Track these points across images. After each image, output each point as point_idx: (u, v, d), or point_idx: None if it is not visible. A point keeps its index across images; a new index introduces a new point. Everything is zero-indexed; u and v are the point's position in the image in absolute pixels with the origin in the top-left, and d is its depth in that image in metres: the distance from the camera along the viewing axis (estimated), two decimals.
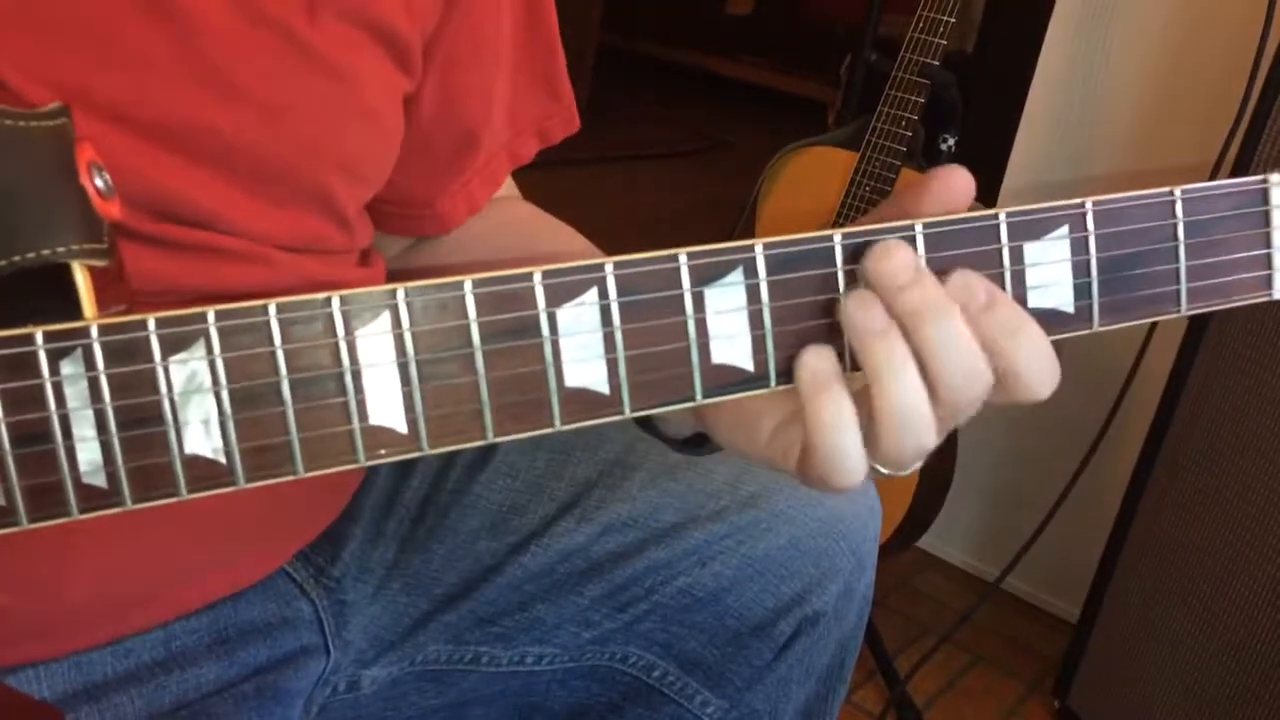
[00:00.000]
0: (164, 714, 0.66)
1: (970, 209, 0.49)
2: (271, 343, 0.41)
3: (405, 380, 0.43)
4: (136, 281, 0.45)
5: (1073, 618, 1.60)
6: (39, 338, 0.39)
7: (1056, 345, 0.49)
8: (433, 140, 0.72)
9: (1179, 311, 0.51)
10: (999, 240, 0.48)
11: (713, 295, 0.46)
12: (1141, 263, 0.50)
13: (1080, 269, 0.49)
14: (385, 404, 0.43)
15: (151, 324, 0.40)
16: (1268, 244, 0.51)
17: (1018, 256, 0.49)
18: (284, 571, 0.74)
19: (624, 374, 0.45)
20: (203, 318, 0.40)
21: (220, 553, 0.67)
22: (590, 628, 0.77)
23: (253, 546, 0.69)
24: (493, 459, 0.80)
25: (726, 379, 0.47)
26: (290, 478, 0.42)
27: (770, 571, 0.75)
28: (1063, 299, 0.50)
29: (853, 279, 0.47)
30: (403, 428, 0.43)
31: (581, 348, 0.45)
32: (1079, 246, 0.49)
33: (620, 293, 0.45)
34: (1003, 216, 0.48)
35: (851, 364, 0.48)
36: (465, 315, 0.43)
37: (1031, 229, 0.49)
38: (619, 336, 0.45)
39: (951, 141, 1.59)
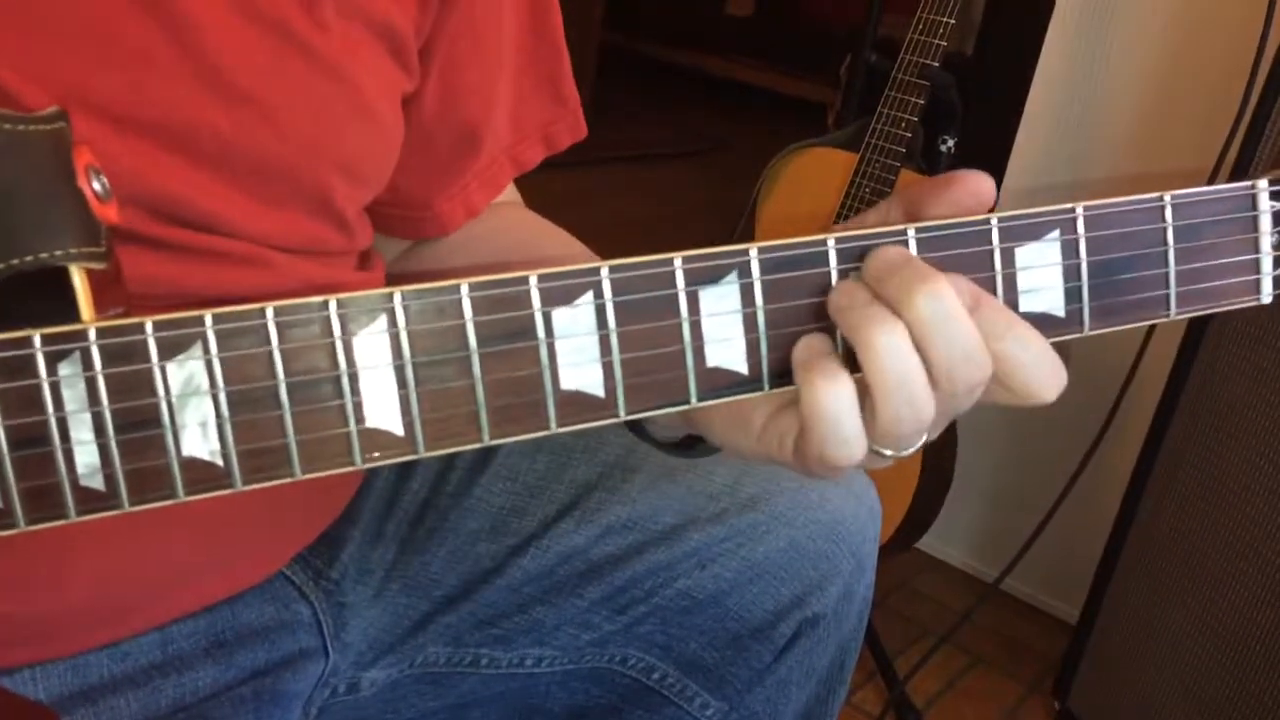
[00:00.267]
0: (160, 717, 0.66)
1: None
2: (269, 345, 0.41)
3: (402, 383, 0.43)
4: (134, 284, 0.45)
5: (1072, 618, 1.60)
6: (37, 340, 0.39)
7: (1063, 349, 0.49)
8: (433, 140, 0.72)
9: (1169, 315, 0.52)
10: (991, 244, 0.49)
11: (708, 298, 0.46)
12: (1132, 267, 0.50)
13: (1071, 273, 0.50)
14: (382, 406, 0.43)
15: (149, 327, 0.40)
16: (1256, 249, 0.51)
17: (1009, 260, 0.49)
18: (282, 574, 0.74)
19: (619, 377, 0.45)
20: (200, 321, 0.40)
21: (218, 555, 0.67)
22: (590, 630, 0.77)
23: (251, 549, 0.69)
24: (492, 461, 0.80)
25: (721, 382, 0.47)
26: (287, 480, 0.42)
27: (770, 574, 0.75)
28: (1054, 303, 0.50)
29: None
30: (399, 430, 0.43)
31: (577, 350, 0.45)
32: (1070, 250, 0.49)
33: (616, 296, 0.45)
34: (994, 221, 0.49)
35: (852, 367, 0.47)
36: (462, 318, 0.43)
37: (1023, 233, 0.49)
38: (614, 339, 0.45)
39: (951, 143, 1.59)
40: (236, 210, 0.58)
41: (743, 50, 4.75)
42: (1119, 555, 1.47)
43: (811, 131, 1.71)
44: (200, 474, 0.41)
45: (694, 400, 0.47)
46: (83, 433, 0.40)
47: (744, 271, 0.46)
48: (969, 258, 0.49)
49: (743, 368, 0.47)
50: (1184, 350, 1.37)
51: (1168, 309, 0.51)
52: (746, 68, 4.71)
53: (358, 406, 0.43)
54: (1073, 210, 0.49)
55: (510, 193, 0.83)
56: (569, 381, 0.45)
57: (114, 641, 0.64)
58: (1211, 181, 1.26)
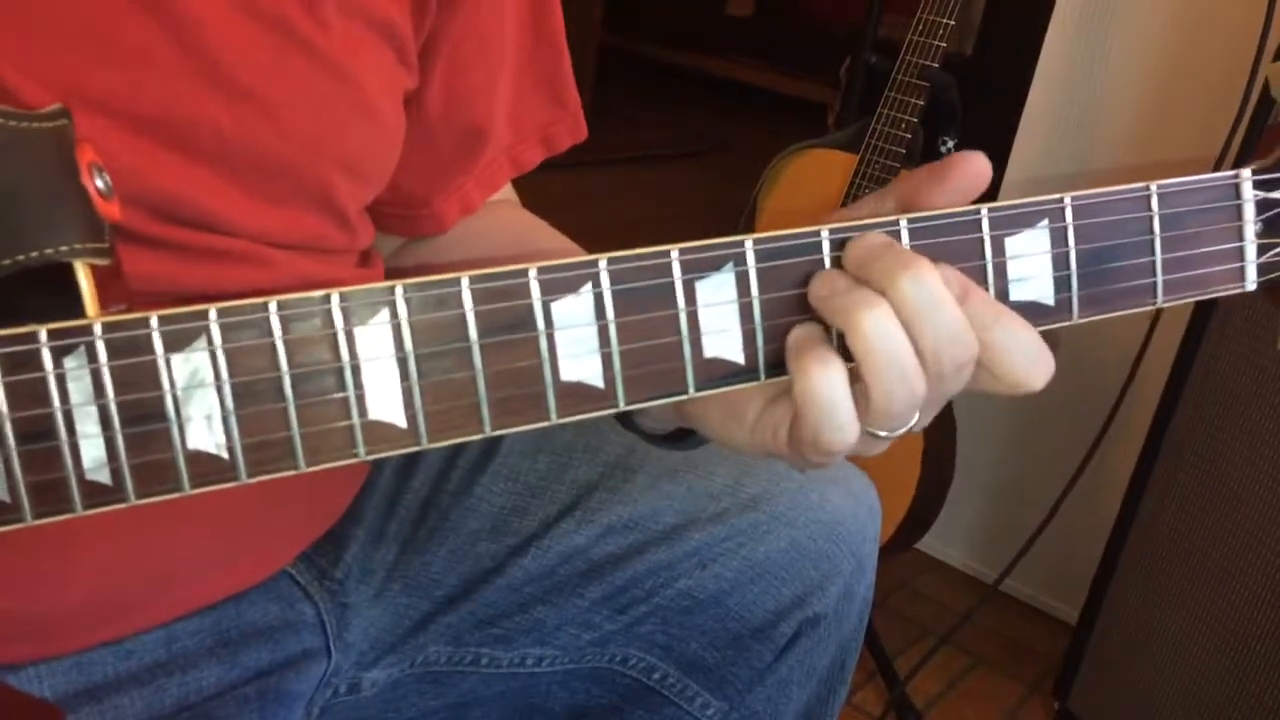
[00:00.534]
0: (165, 716, 0.66)
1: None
2: (272, 338, 0.42)
3: (404, 375, 0.43)
4: (133, 283, 0.45)
5: (1073, 619, 1.60)
6: (42, 335, 0.39)
7: (1052, 337, 0.49)
8: (436, 140, 0.72)
9: (1155, 303, 0.52)
10: (981, 232, 0.49)
11: (704, 289, 0.47)
12: (1119, 255, 0.51)
13: (1060, 262, 0.50)
14: (384, 399, 0.43)
15: (154, 321, 0.40)
16: (1240, 237, 0.52)
17: (999, 249, 0.50)
18: (287, 573, 0.74)
19: (618, 368, 0.46)
20: (204, 314, 0.41)
21: (222, 551, 0.67)
22: (590, 629, 0.77)
23: (254, 545, 0.70)
24: (494, 461, 0.80)
25: (718, 372, 0.48)
26: (291, 472, 0.43)
27: (770, 574, 0.75)
28: (1043, 291, 0.51)
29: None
30: (402, 422, 0.44)
31: (576, 342, 0.45)
32: (1058, 239, 0.50)
33: (614, 287, 0.45)
34: (984, 211, 0.49)
35: (845, 356, 0.48)
36: (462, 310, 0.44)
37: (1012, 222, 0.50)
38: (613, 330, 0.46)
39: (951, 144, 1.59)
40: (236, 208, 0.58)
41: (743, 51, 4.75)
42: (1119, 556, 1.47)
43: (811, 132, 1.71)
44: (206, 467, 0.42)
45: (692, 390, 0.47)
46: (89, 426, 0.40)
47: (739, 262, 0.47)
48: (959, 246, 0.49)
49: (739, 358, 0.48)
50: (1184, 351, 1.37)
51: (1154, 296, 0.52)
52: (746, 68, 4.71)
53: (360, 399, 0.43)
54: (1061, 200, 0.50)
55: (506, 191, 0.83)
56: (569, 373, 0.45)
57: (118, 639, 0.65)
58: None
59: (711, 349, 0.47)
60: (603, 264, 0.45)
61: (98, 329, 0.40)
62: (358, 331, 0.43)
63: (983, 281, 0.50)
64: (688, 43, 4.86)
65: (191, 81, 0.55)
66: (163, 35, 0.54)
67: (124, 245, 0.45)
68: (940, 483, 1.69)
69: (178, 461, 0.41)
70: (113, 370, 0.40)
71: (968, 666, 1.75)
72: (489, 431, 0.45)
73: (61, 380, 0.39)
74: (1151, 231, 0.51)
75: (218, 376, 0.41)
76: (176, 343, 0.40)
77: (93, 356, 0.40)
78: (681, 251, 0.46)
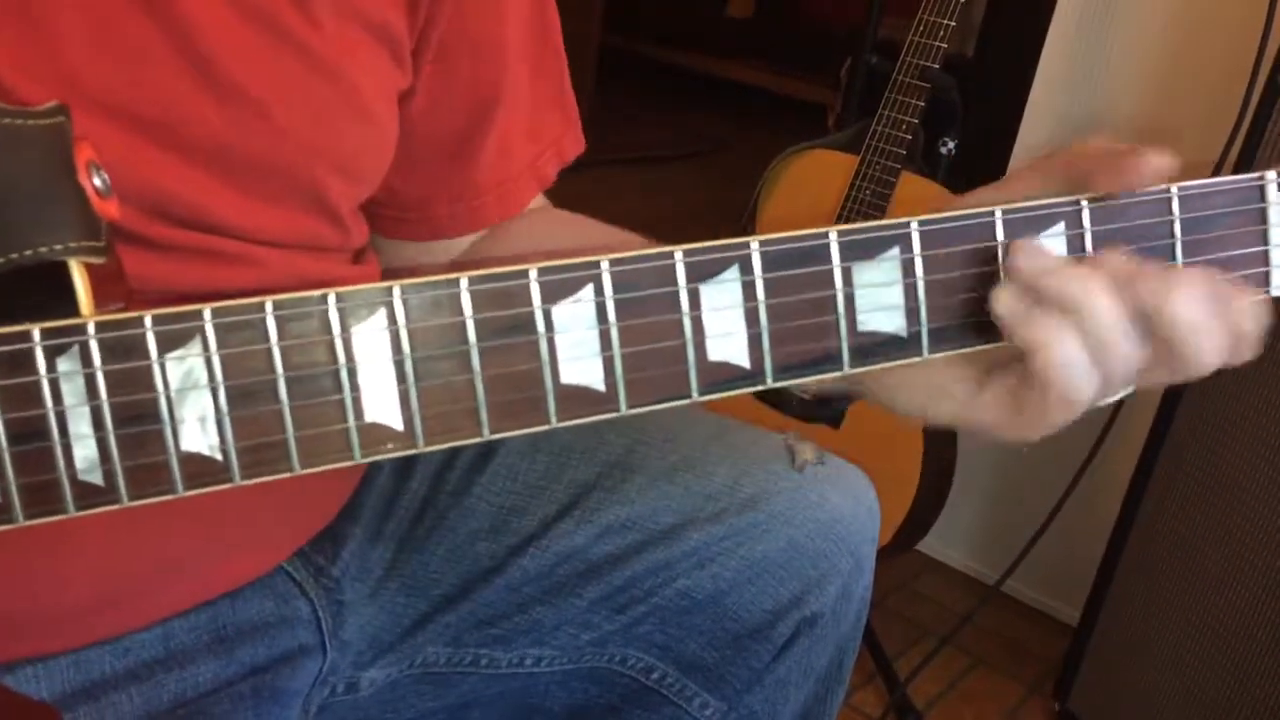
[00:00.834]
0: (162, 713, 0.66)
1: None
2: (268, 340, 0.41)
3: (401, 378, 0.43)
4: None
5: (1073, 620, 1.60)
6: (36, 335, 0.39)
7: None
8: (423, 140, 0.72)
9: None
10: (994, 238, 0.49)
11: (708, 292, 0.46)
12: (1140, 259, 0.50)
13: None
14: (381, 401, 0.43)
15: (148, 321, 0.40)
16: (1265, 241, 0.51)
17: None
18: (283, 570, 0.74)
19: (620, 371, 0.45)
20: (199, 315, 0.40)
21: (218, 548, 0.67)
22: (589, 629, 0.77)
23: (251, 543, 0.69)
24: (492, 460, 0.80)
25: (723, 376, 0.47)
26: (286, 474, 0.42)
27: (769, 573, 0.75)
28: None
29: (848, 277, 0.47)
30: (399, 425, 0.43)
31: (577, 345, 0.45)
32: (1075, 244, 0.50)
33: (616, 290, 0.45)
34: (998, 214, 0.49)
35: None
36: (461, 312, 0.43)
37: (1027, 227, 0.49)
38: (615, 334, 0.45)
39: (952, 145, 1.59)
40: (230, 207, 0.58)
41: (743, 51, 4.74)
42: (1120, 557, 1.47)
43: (812, 133, 1.71)
44: (199, 469, 0.41)
45: (695, 395, 0.47)
46: (82, 427, 0.40)
47: (745, 265, 0.46)
48: (974, 252, 0.49)
49: (745, 362, 0.47)
50: None
51: None
52: (747, 69, 4.70)
53: (357, 401, 0.43)
54: (1078, 203, 0.49)
55: (540, 200, 0.83)
56: (569, 376, 0.45)
57: (115, 636, 0.64)
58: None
59: (716, 352, 0.47)
60: (605, 265, 0.44)
61: (91, 329, 0.40)
62: (354, 332, 0.42)
63: (991, 286, 0.49)
64: (688, 43, 4.85)
65: (186, 80, 0.55)
66: (158, 34, 0.54)
67: (118, 244, 0.45)
68: (941, 483, 1.69)
69: (171, 463, 0.41)
70: (106, 371, 0.40)
71: (968, 667, 1.75)
72: (487, 435, 0.44)
73: (54, 381, 0.39)
74: (1172, 235, 0.50)
75: (212, 378, 0.41)
76: (170, 343, 0.40)
77: (86, 357, 0.40)
78: (686, 253, 0.45)
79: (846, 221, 1.59)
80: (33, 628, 0.60)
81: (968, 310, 0.49)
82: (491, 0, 0.70)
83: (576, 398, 0.45)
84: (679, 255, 0.45)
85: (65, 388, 0.39)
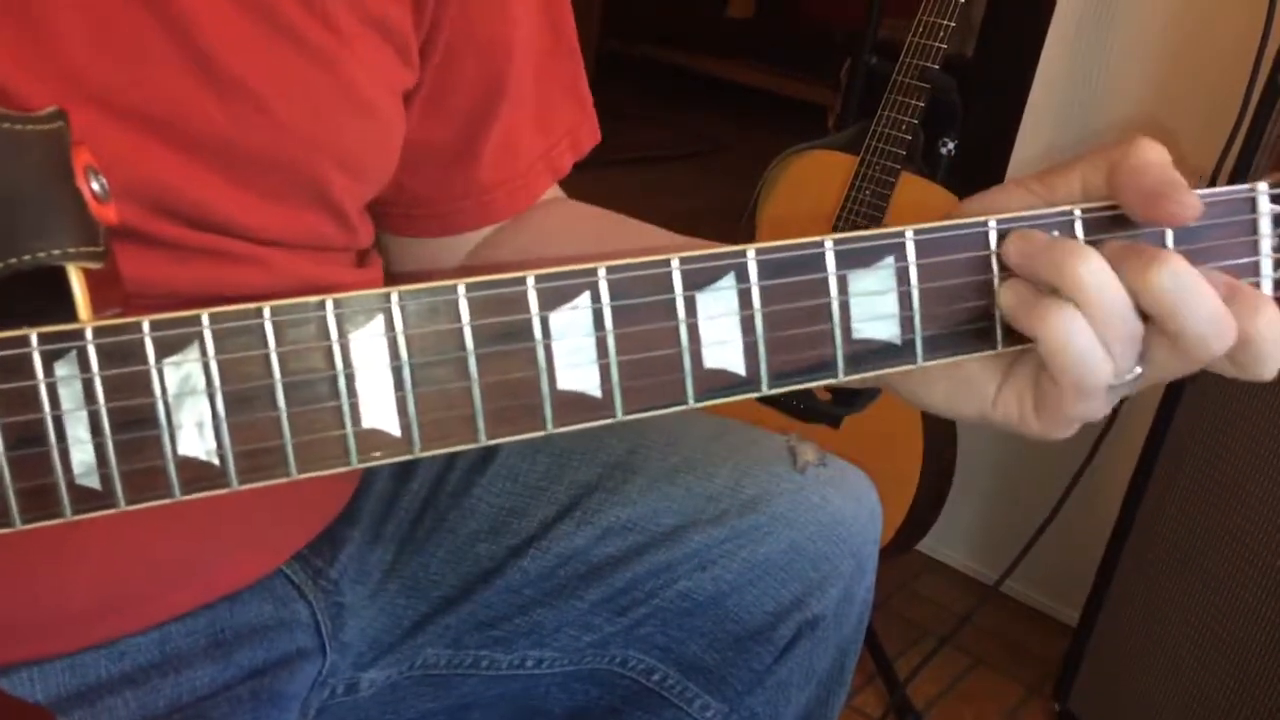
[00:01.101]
0: (158, 717, 0.65)
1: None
2: (265, 345, 0.41)
3: (399, 384, 0.43)
4: (128, 284, 0.45)
5: (1073, 621, 1.60)
6: (34, 339, 0.39)
7: None
8: (431, 136, 0.71)
9: None
10: (988, 247, 0.49)
11: (705, 300, 0.46)
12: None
13: None
14: (378, 407, 0.43)
15: (146, 326, 0.40)
16: (1255, 251, 0.52)
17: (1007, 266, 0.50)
18: (281, 573, 0.74)
19: (616, 378, 0.45)
20: (197, 320, 0.40)
21: (216, 552, 0.67)
22: (590, 631, 0.77)
23: (248, 546, 0.69)
24: (493, 462, 0.80)
25: (719, 383, 0.47)
26: (283, 480, 0.42)
27: (770, 575, 0.75)
28: None
29: (843, 285, 0.48)
30: (396, 431, 0.43)
31: (574, 352, 0.45)
32: None
33: (613, 297, 0.45)
34: (992, 223, 0.49)
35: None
36: (458, 319, 0.43)
37: None
38: (611, 341, 0.45)
39: (951, 145, 1.59)
40: (233, 204, 0.58)
41: (743, 52, 4.74)
42: (1119, 557, 1.47)
43: (812, 134, 1.71)
44: (196, 473, 0.42)
45: (691, 402, 0.47)
46: (79, 432, 0.40)
47: (741, 273, 0.46)
48: (966, 261, 0.49)
49: (740, 369, 0.47)
50: None
51: None
52: (747, 70, 4.71)
53: (354, 407, 0.43)
54: (1071, 213, 0.49)
55: (554, 190, 0.82)
56: (566, 383, 0.45)
57: (112, 640, 0.64)
58: (1212, 182, 1.26)
59: (712, 360, 0.47)
60: (601, 272, 0.45)
61: (89, 334, 0.40)
62: (352, 338, 0.42)
63: (986, 294, 0.50)
64: (688, 44, 4.86)
65: (187, 76, 0.55)
66: (158, 29, 0.54)
67: (120, 244, 0.45)
68: (940, 484, 1.69)
69: (168, 468, 0.41)
70: (104, 376, 0.40)
71: (967, 668, 1.75)
72: (484, 441, 0.44)
73: (52, 385, 0.39)
74: (1164, 245, 0.50)
75: (210, 383, 0.41)
76: (168, 348, 0.40)
77: (84, 362, 0.40)
78: (682, 261, 0.46)
79: (846, 222, 1.60)
80: (29, 632, 0.60)
81: (962, 318, 0.50)
82: (499, 1, 0.70)
83: (573, 404, 0.45)
84: (675, 263, 0.45)
85: (63, 392, 0.39)
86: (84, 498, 0.40)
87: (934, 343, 0.49)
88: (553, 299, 0.44)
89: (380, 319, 0.43)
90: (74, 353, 0.40)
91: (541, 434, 0.45)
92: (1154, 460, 1.41)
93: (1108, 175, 0.49)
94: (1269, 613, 1.27)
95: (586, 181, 0.84)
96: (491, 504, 0.78)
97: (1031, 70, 1.67)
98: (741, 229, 1.71)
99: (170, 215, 0.57)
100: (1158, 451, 1.41)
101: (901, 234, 0.48)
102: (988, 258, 0.49)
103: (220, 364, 0.41)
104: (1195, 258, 0.50)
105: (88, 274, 0.41)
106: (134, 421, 0.40)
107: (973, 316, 0.50)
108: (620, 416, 0.46)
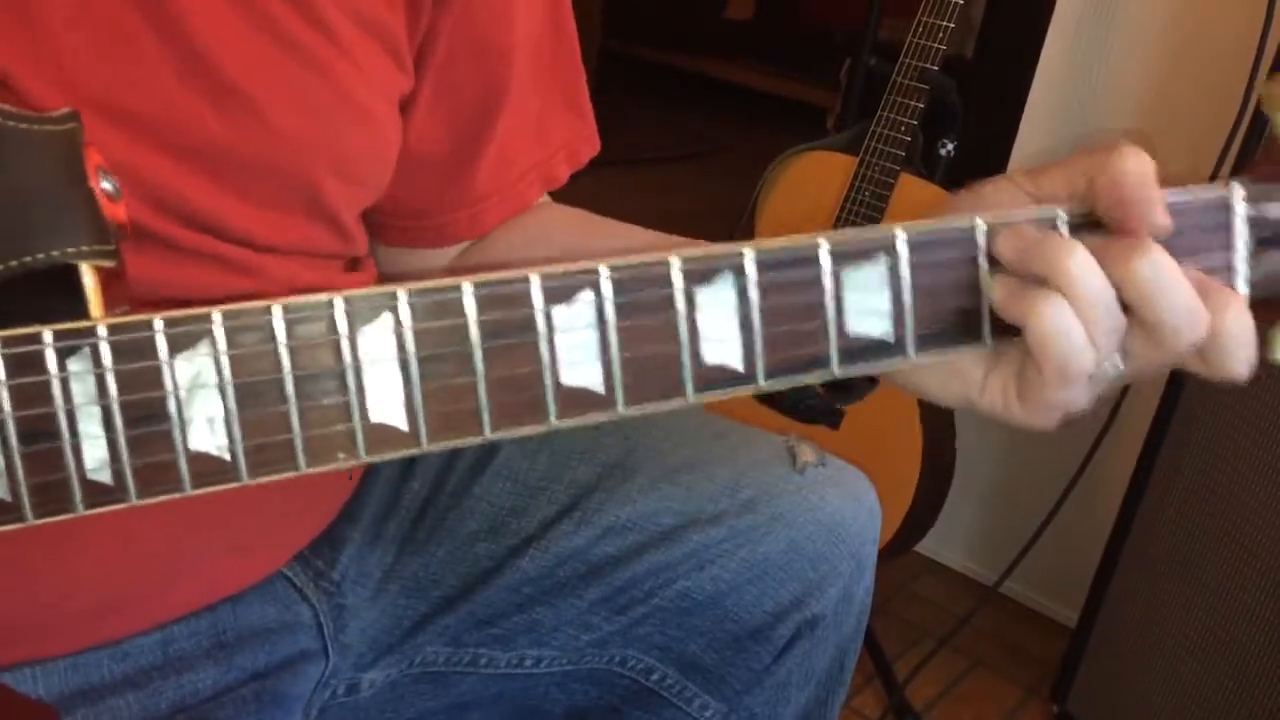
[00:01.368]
0: (161, 718, 0.66)
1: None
2: (275, 342, 0.42)
3: (406, 379, 0.44)
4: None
5: (1071, 622, 1.60)
6: (47, 336, 0.40)
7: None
8: (427, 144, 0.71)
9: None
10: (974, 247, 0.50)
11: (704, 297, 0.47)
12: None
13: None
14: (386, 402, 0.44)
15: (158, 323, 0.40)
16: (1229, 250, 0.52)
17: (994, 261, 0.50)
18: (283, 575, 0.74)
19: (618, 373, 0.46)
20: (208, 317, 0.41)
21: (218, 553, 0.67)
22: (589, 630, 0.77)
23: (250, 548, 0.70)
24: (492, 461, 0.80)
25: (717, 378, 0.48)
26: (292, 474, 0.43)
27: (769, 575, 0.75)
28: None
29: (838, 282, 0.49)
30: (403, 425, 0.44)
31: (577, 347, 0.46)
32: None
33: (615, 294, 0.45)
34: (980, 223, 0.50)
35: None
36: (464, 315, 0.44)
37: None
38: (613, 336, 0.46)
39: (951, 146, 1.59)
40: (226, 209, 0.58)
41: (742, 53, 4.74)
42: (1118, 559, 1.47)
43: (811, 134, 1.71)
44: (207, 468, 0.42)
45: (690, 397, 0.48)
46: (92, 427, 0.40)
47: (739, 271, 0.47)
48: (959, 261, 0.50)
49: (739, 365, 0.48)
50: None
51: None
52: (746, 71, 4.70)
53: (362, 402, 0.43)
54: (1054, 213, 0.50)
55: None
56: (569, 378, 0.46)
57: (115, 640, 0.65)
58: (1211, 182, 1.26)
59: (711, 355, 0.47)
60: (604, 270, 0.45)
61: (102, 330, 0.40)
62: (360, 335, 0.43)
63: (975, 292, 0.50)
64: (687, 45, 4.85)
65: (182, 81, 0.55)
66: (153, 33, 0.54)
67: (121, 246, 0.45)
68: (939, 485, 1.69)
69: (179, 463, 0.41)
70: (116, 372, 0.40)
71: (966, 669, 1.75)
72: (489, 435, 0.45)
73: (65, 381, 0.40)
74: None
75: (220, 379, 0.41)
76: (180, 345, 0.41)
77: (96, 358, 0.40)
78: (682, 259, 0.46)
79: (845, 222, 1.60)
80: (32, 631, 0.60)
81: (952, 314, 0.51)
82: (501, 9, 0.70)
83: (576, 399, 0.46)
84: (675, 261, 0.46)
85: (75, 388, 0.40)
86: (96, 492, 0.41)
87: (925, 339, 0.50)
88: (556, 295, 0.45)
89: (388, 316, 0.43)
90: (87, 349, 0.40)
91: (545, 428, 0.46)
92: (1152, 462, 1.41)
93: (1088, 181, 0.50)
94: (1267, 614, 1.27)
95: (586, 182, 0.85)
96: (491, 504, 0.79)
97: (1031, 71, 1.67)
98: (741, 230, 1.71)
99: (166, 216, 0.57)
100: (1156, 453, 1.41)
101: (893, 232, 0.49)
102: (976, 256, 0.50)
103: (231, 359, 0.41)
104: (1172, 256, 0.51)
105: (98, 272, 0.42)
106: (146, 417, 0.41)
107: (962, 313, 0.50)
108: (622, 411, 0.47)
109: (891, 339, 0.50)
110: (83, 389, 0.40)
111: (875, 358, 0.50)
